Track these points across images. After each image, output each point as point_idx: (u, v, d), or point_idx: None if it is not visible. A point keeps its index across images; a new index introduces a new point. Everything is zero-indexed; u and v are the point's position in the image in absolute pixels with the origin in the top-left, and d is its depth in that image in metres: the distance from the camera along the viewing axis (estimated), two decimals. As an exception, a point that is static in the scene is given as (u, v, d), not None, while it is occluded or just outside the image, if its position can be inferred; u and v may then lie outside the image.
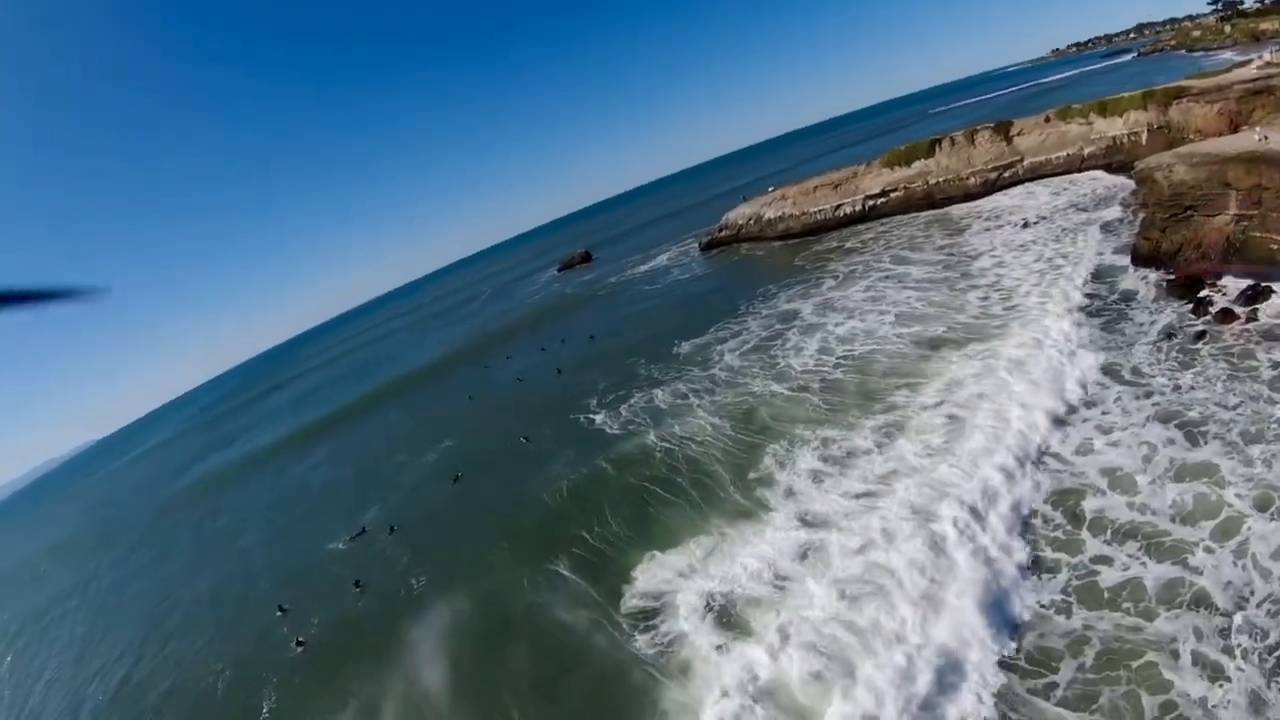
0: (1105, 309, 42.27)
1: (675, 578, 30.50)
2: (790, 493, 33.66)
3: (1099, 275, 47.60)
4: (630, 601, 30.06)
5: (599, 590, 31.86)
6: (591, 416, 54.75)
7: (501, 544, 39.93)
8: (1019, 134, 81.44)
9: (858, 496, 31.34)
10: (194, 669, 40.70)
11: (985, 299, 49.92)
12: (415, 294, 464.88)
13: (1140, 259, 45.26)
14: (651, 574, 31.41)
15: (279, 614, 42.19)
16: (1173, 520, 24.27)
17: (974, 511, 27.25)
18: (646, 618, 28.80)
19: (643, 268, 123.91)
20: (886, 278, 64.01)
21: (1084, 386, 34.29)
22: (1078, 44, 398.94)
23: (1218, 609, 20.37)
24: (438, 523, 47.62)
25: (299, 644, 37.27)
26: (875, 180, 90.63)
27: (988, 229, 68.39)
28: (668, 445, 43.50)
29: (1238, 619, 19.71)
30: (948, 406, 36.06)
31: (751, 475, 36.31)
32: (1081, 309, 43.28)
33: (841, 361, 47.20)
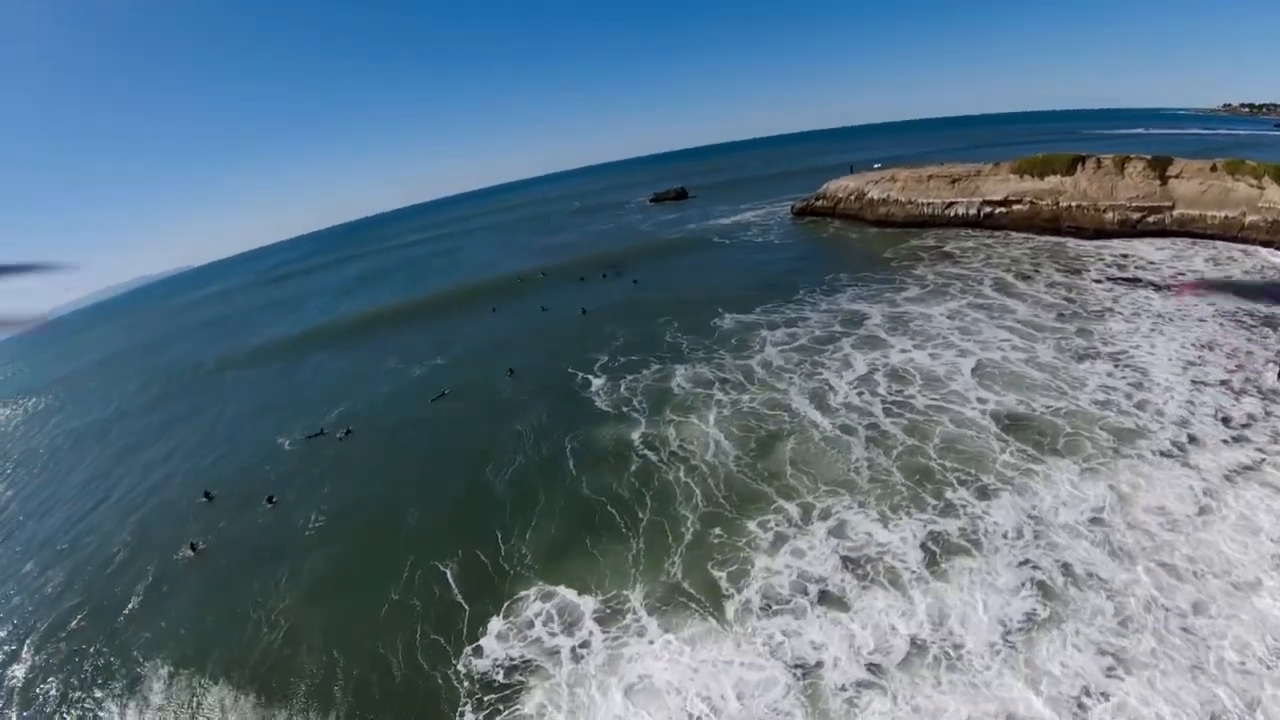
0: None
1: (544, 640, 22.55)
2: (758, 610, 22.20)
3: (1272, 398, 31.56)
4: (482, 659, 22.28)
5: (464, 616, 24.45)
6: (589, 379, 45.91)
7: (414, 508, 33.07)
8: (1177, 176, 61.96)
9: (860, 669, 19.40)
10: (99, 542, 37.61)
11: (1110, 379, 35.06)
12: (523, 190, 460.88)
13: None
14: (522, 625, 23.34)
15: (203, 499, 40.13)
16: None
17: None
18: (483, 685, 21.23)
19: (726, 220, 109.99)
20: (981, 305, 49.32)
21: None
22: (1251, 105, 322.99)
23: None
24: (389, 444, 42.78)
25: (192, 548, 34.31)
26: (1000, 185, 73.85)
27: (1116, 280, 51.21)
28: (650, 454, 33.91)
29: None
30: (1031, 549, 22.98)
31: (724, 548, 25.76)
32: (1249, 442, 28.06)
33: (894, 407, 34.81)
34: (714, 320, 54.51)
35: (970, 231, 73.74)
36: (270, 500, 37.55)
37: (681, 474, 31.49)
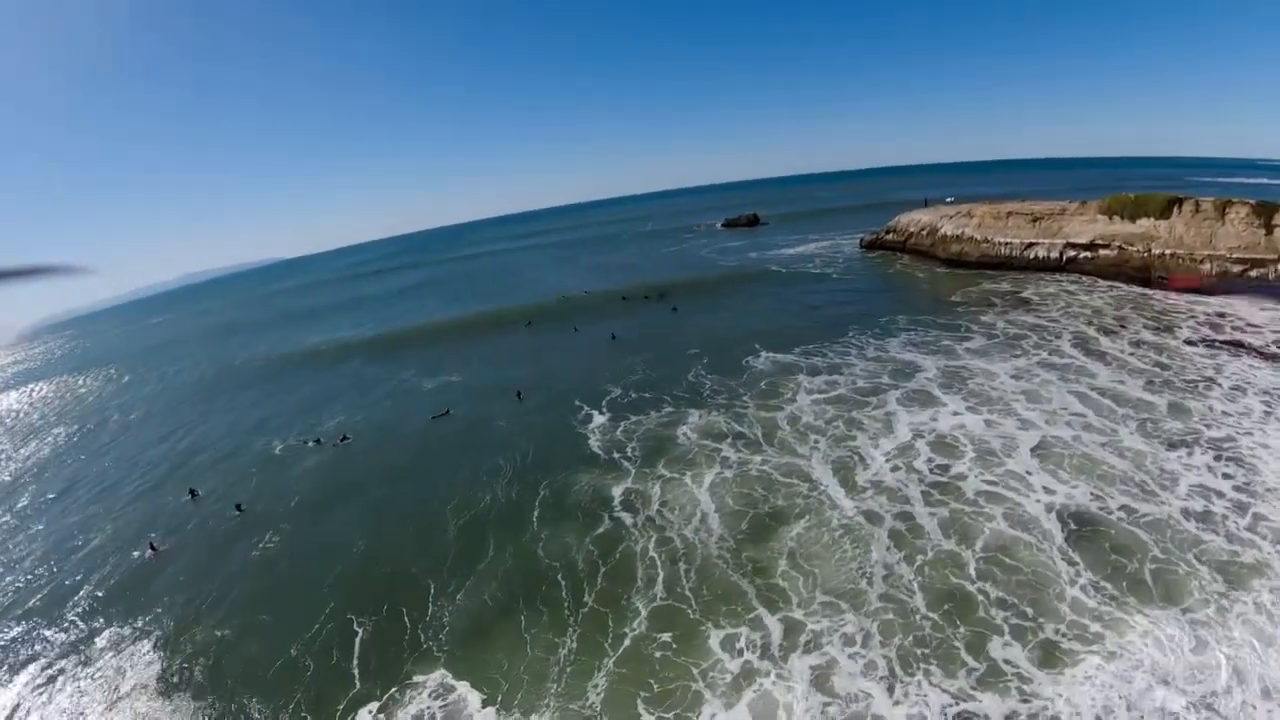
0: None
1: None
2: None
3: None
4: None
5: (345, 696, 19.79)
6: (593, 414, 40.97)
7: (363, 541, 29.38)
8: (1288, 227, 50.10)
9: None
10: (79, 529, 36.93)
11: (1210, 477, 25.95)
12: (608, 208, 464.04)
13: None
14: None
15: (188, 498, 39.09)
16: None
17: None
18: None
19: (789, 250, 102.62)
20: (1054, 364, 40.26)
21: None
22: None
23: None
24: (373, 460, 39.93)
25: (152, 549, 33.03)
26: (1085, 227, 63.56)
27: (1214, 344, 40.52)
28: (624, 516, 28.38)
29: None
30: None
31: (669, 674, 19.58)
32: None
33: (935, 490, 27.19)
34: (747, 358, 48.22)
35: (1050, 276, 63.51)
36: (239, 508, 35.59)
37: (651, 547, 25.68)
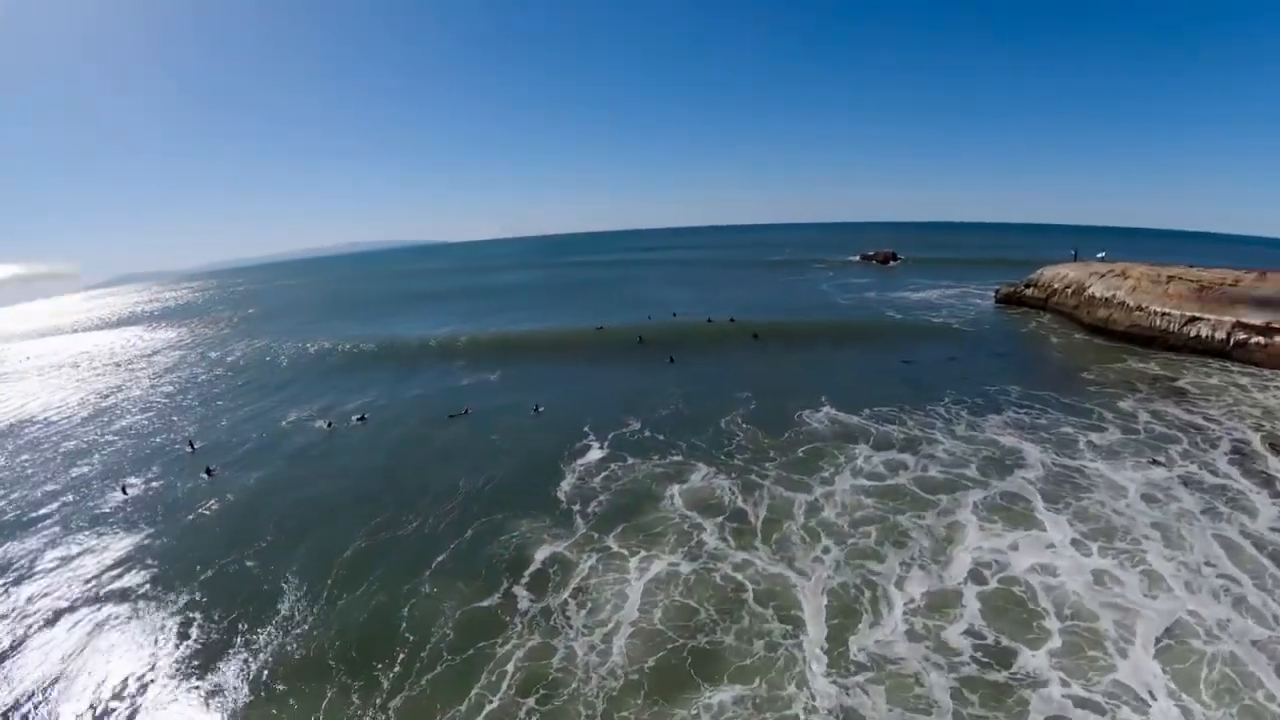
0: None
1: None
2: None
3: None
4: None
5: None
6: (588, 446, 34.30)
7: (255, 561, 25.13)
8: None
9: None
10: (80, 461, 38.56)
11: None
12: (750, 233, 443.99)
13: None
14: None
15: (188, 450, 39.49)
16: None
17: None
18: None
19: (916, 293, 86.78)
20: (1206, 486, 26.08)
21: None
22: None
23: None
24: (359, 448, 37.66)
25: (124, 490, 33.69)
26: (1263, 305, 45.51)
27: None
28: (519, 596, 21.30)
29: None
30: None
31: None
32: None
33: (971, 692, 16.19)
34: (804, 412, 38.23)
35: (1215, 361, 45.55)
36: (209, 471, 34.73)
37: (518, 655, 18.15)
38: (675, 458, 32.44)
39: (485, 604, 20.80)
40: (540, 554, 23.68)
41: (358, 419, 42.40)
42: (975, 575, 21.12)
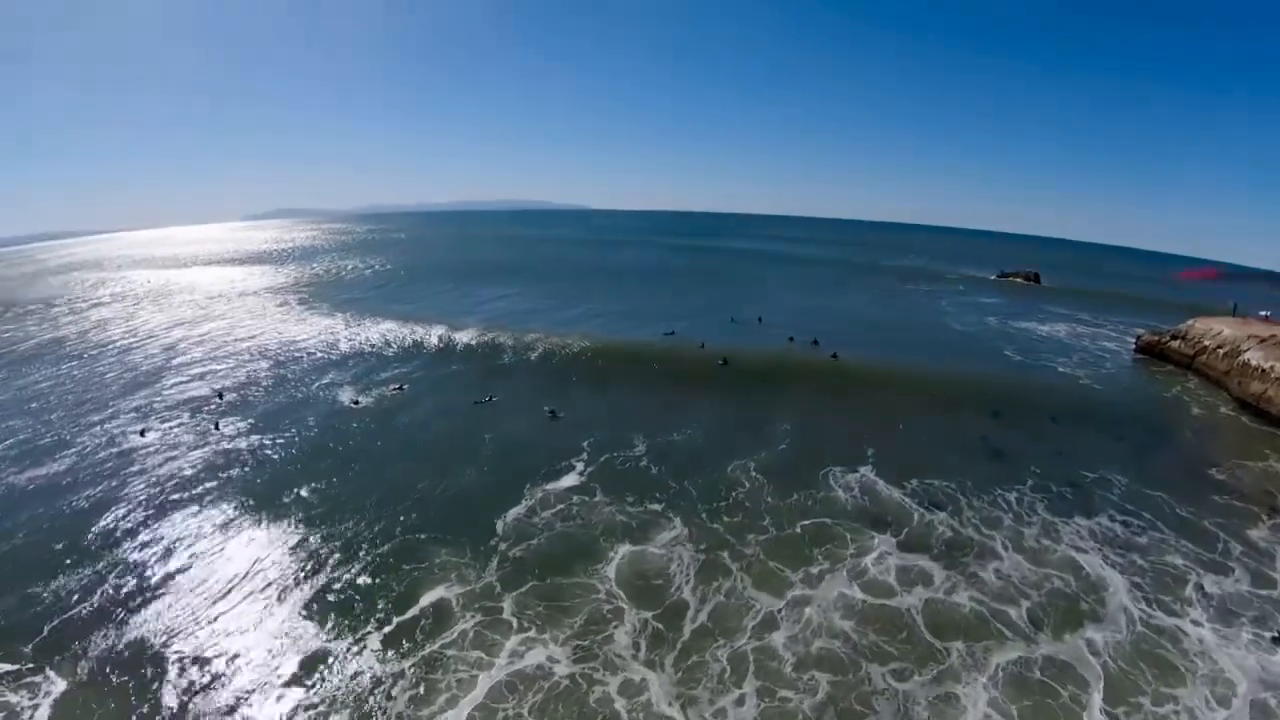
0: None
1: None
2: None
3: None
4: None
5: None
6: (572, 466, 30.63)
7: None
8: None
9: None
10: (105, 391, 42.62)
11: None
12: (906, 232, 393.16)
13: None
14: None
15: (216, 399, 41.95)
16: None
17: None
18: None
19: (1042, 326, 70.81)
20: None
21: None
22: None
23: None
24: (370, 426, 37.22)
25: (142, 434, 35.95)
26: None
27: None
28: (358, 698, 18.10)
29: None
30: None
31: None
32: None
33: None
34: (835, 469, 31.03)
35: None
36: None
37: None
38: (653, 505, 27.45)
39: (324, 645, 18.07)
40: (427, 598, 20.52)
41: (397, 387, 43.58)
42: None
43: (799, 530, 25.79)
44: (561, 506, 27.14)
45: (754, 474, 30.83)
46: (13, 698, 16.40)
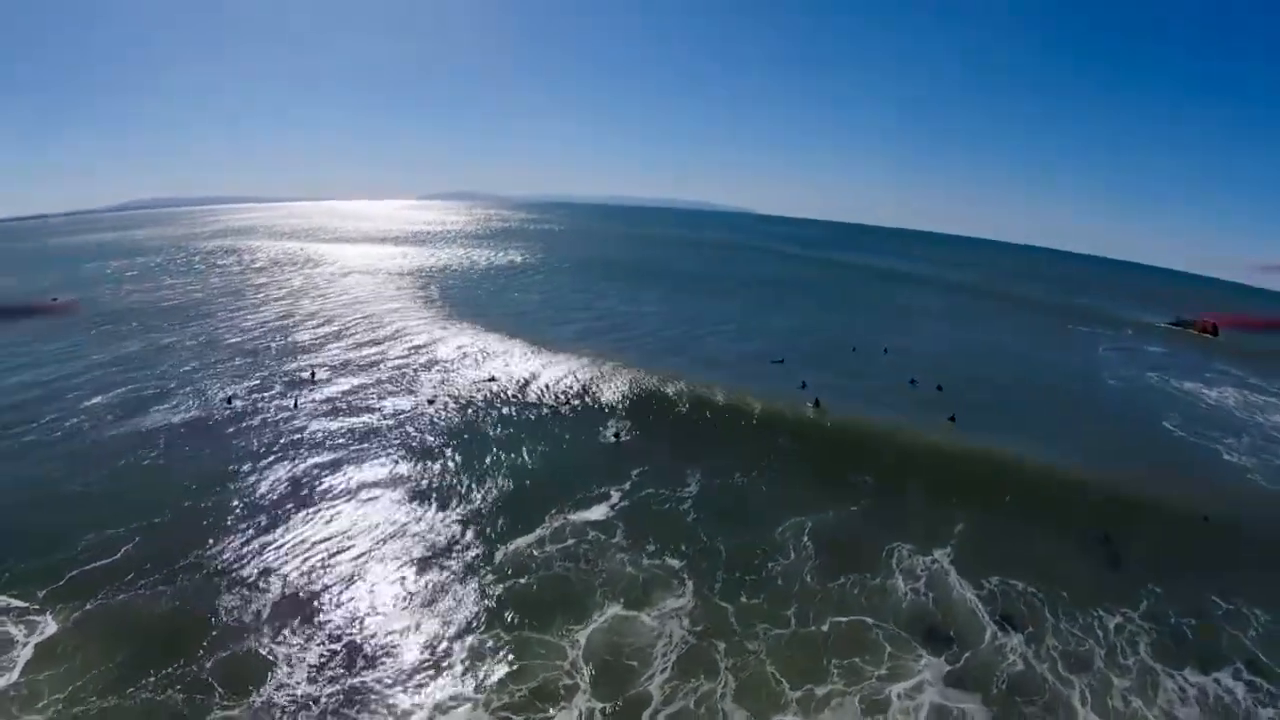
0: None
1: None
2: None
3: None
4: None
5: None
6: (606, 494, 28.47)
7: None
8: None
9: None
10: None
11: None
12: (1075, 263, 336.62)
13: None
14: None
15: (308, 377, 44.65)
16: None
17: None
18: None
19: (1210, 390, 55.56)
20: None
21: None
22: None
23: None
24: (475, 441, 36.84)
25: (228, 400, 39.43)
26: None
27: None
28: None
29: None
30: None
31: None
32: None
33: None
34: (901, 549, 25.63)
35: None
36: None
37: None
38: (670, 560, 24.29)
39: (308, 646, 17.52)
40: (395, 624, 19.44)
41: (488, 380, 44.18)
42: None
43: (825, 628, 21.28)
44: (572, 542, 25.04)
45: (804, 541, 26.43)
46: (13, 629, 18.16)
